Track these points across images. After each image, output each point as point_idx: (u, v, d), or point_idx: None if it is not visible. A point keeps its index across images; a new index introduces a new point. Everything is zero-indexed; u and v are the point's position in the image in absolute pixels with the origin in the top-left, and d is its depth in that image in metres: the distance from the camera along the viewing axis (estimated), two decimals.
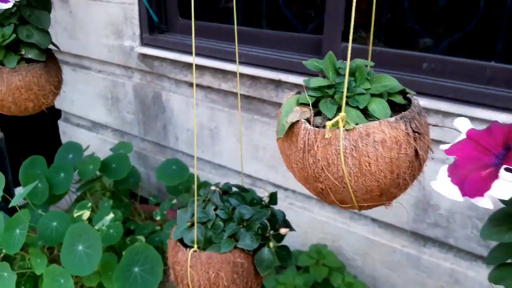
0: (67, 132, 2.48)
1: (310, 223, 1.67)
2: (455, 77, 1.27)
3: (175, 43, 1.78)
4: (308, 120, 0.65)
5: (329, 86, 0.67)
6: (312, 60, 0.72)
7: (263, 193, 1.80)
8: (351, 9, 1.41)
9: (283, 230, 0.97)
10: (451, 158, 0.57)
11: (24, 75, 1.13)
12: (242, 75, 1.62)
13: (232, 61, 1.63)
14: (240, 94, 1.67)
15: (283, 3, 1.59)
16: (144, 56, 1.89)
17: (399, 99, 0.68)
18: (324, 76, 0.75)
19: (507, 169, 0.51)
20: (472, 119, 1.23)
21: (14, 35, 1.11)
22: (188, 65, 1.76)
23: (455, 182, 0.50)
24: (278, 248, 0.98)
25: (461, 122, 0.51)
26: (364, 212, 1.50)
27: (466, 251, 1.35)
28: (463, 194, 0.52)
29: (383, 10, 1.38)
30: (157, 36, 1.84)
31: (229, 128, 1.75)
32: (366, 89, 0.65)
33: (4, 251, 1.45)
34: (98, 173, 1.81)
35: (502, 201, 0.61)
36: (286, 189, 1.71)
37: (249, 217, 0.97)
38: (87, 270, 1.26)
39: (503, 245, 0.63)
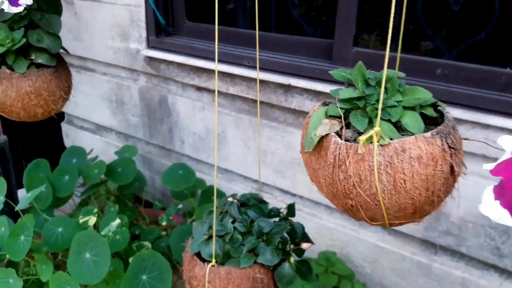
0: (70, 135, 2.45)
1: (318, 230, 1.65)
2: (469, 83, 1.25)
3: (182, 46, 1.76)
4: (338, 134, 0.63)
5: (359, 98, 0.65)
6: (339, 70, 0.69)
7: (270, 199, 1.79)
8: (363, 13, 1.39)
9: (304, 245, 0.94)
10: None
11: (34, 81, 1.10)
12: (250, 79, 1.60)
13: (240, 64, 1.61)
14: (248, 99, 1.65)
15: (292, 6, 1.57)
16: (150, 59, 1.86)
17: (430, 111, 0.66)
18: (349, 85, 0.72)
19: None
20: (486, 126, 1.21)
21: (24, 40, 1.08)
22: (195, 69, 1.74)
23: (505, 206, 0.48)
24: (298, 263, 0.94)
25: (505, 140, 0.49)
26: None
27: (478, 259, 1.34)
28: None
29: (395, 15, 1.36)
30: (164, 39, 1.81)
31: (236, 132, 1.73)
32: (398, 101, 0.63)
33: (7, 256, 1.42)
34: (103, 177, 1.78)
35: None
36: (293, 195, 1.69)
37: (268, 231, 0.93)
38: (95, 278, 1.24)
39: None
